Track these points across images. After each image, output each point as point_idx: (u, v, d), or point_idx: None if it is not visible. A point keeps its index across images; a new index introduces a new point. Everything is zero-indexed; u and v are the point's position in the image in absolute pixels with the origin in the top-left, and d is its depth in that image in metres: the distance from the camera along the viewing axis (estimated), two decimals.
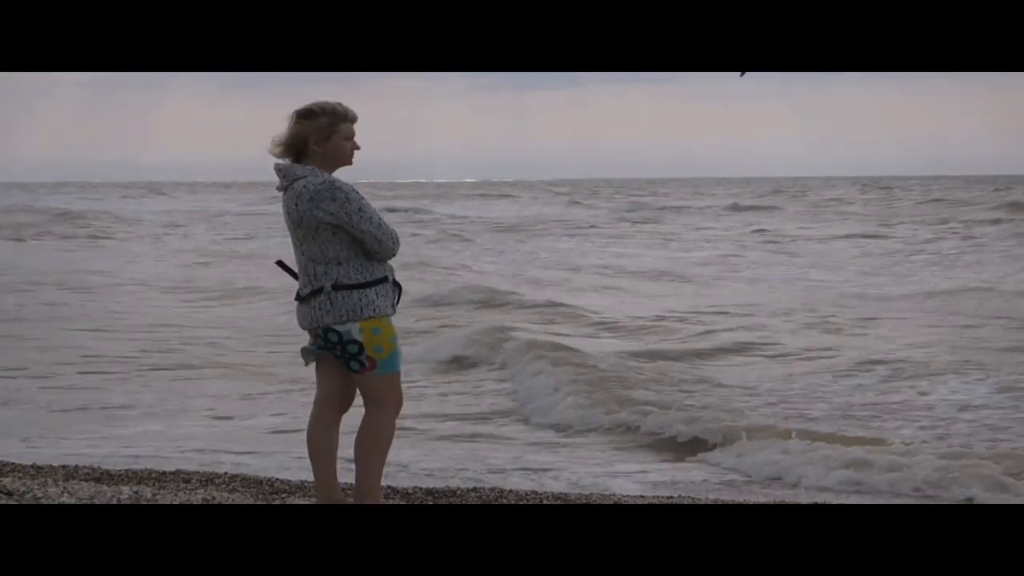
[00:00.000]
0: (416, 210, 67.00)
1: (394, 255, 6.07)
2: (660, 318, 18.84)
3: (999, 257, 31.24)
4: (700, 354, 15.40)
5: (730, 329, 17.52)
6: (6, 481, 7.50)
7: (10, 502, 6.86)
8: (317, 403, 6.26)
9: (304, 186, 5.96)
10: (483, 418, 11.85)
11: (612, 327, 18.08)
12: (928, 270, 28.92)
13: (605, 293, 24.27)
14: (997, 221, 45.22)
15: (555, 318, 18.95)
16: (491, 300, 21.07)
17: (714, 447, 10.35)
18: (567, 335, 16.94)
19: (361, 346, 5.97)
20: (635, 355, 15.14)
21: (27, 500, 6.95)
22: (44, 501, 6.93)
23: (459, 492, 8.08)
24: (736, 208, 64.87)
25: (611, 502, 7.80)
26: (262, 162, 6.19)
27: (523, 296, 21.82)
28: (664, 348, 15.87)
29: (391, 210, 60.79)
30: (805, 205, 67.88)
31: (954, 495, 8.73)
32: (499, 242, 41.37)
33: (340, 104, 6.06)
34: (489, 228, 50.04)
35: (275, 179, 6.12)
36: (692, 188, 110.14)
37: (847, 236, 41.09)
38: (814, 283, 26.13)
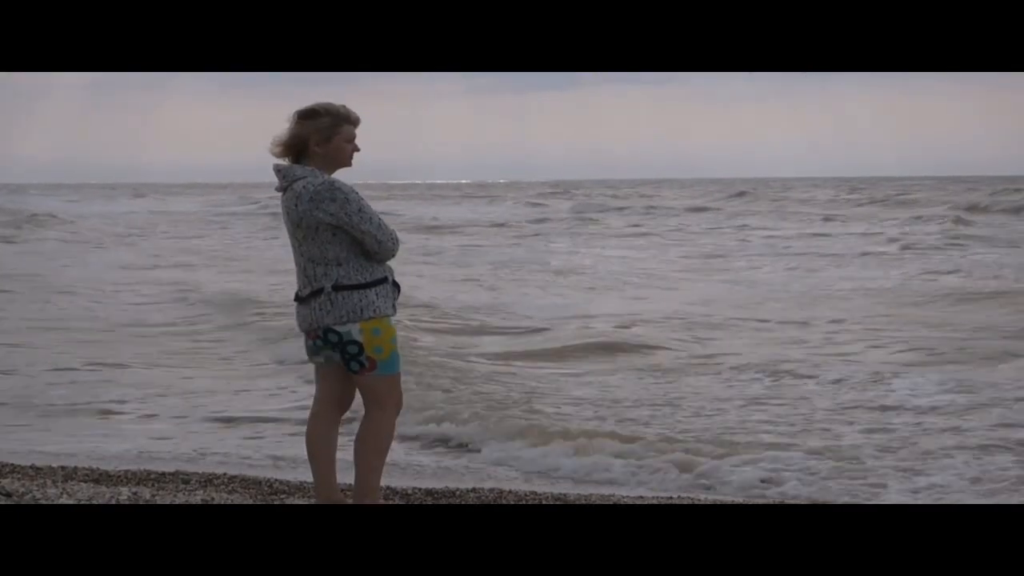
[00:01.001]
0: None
1: (394, 255, 6.07)
2: (545, 318, 18.82)
3: (902, 260, 31.49)
4: (554, 355, 15.25)
5: (600, 329, 17.52)
6: (5, 482, 7.50)
7: (9, 503, 6.85)
8: (316, 403, 6.26)
9: (304, 187, 5.95)
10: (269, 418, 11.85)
11: (478, 326, 18.03)
12: (826, 271, 28.98)
13: (487, 290, 24.25)
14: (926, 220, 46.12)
15: (423, 316, 18.96)
16: None
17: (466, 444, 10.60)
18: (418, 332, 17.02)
19: (361, 347, 5.97)
20: (478, 355, 15.08)
21: (26, 501, 6.95)
22: (43, 502, 6.93)
23: (458, 493, 8.08)
24: (696, 209, 64.95)
25: (610, 502, 7.80)
26: (260, 163, 6.20)
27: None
28: (522, 349, 15.77)
29: None
30: (768, 205, 68.12)
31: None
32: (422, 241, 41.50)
33: (344, 106, 6.06)
34: (420, 229, 50.09)
35: (272, 179, 6.12)
36: (688, 189, 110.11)
37: (790, 236, 41.43)
38: (728, 284, 25.80)
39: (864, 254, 33.24)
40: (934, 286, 24.26)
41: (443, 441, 10.69)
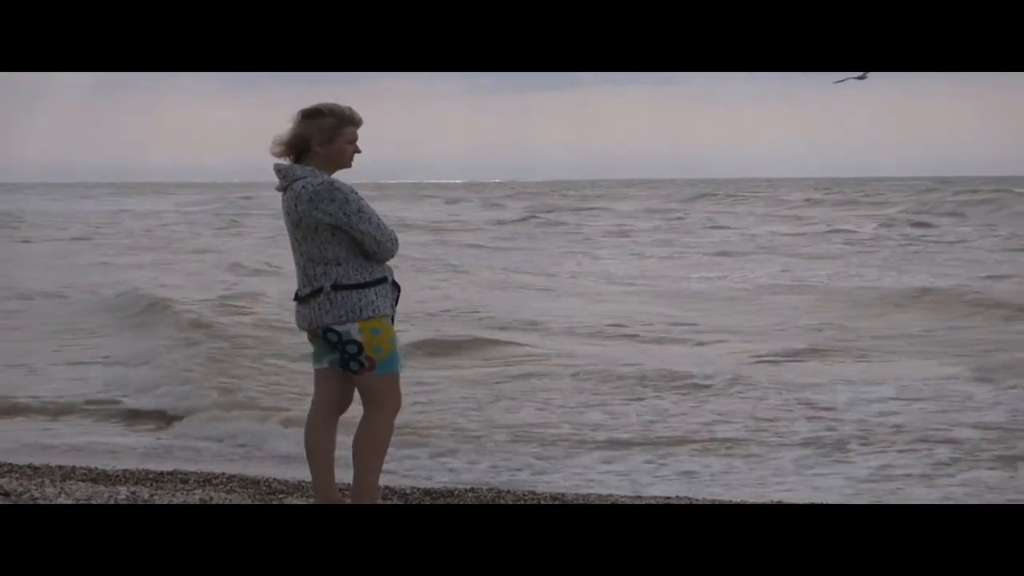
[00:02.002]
0: None
1: (393, 256, 6.06)
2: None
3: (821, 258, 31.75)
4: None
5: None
6: (3, 481, 7.50)
7: (7, 502, 6.85)
8: (315, 403, 6.25)
9: (303, 187, 5.95)
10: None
11: None
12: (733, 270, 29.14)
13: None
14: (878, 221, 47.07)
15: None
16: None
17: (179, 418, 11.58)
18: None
19: (360, 346, 5.97)
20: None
21: (24, 500, 6.95)
22: (41, 501, 6.93)
23: (456, 492, 8.09)
24: (649, 211, 65.19)
25: (609, 502, 7.81)
26: (260, 163, 6.19)
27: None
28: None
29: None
30: (727, 206, 68.37)
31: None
32: None
33: (349, 108, 6.05)
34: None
35: (272, 179, 6.11)
36: (686, 190, 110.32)
37: (737, 237, 41.79)
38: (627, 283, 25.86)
39: (800, 255, 33.50)
40: (863, 284, 24.42)
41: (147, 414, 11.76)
